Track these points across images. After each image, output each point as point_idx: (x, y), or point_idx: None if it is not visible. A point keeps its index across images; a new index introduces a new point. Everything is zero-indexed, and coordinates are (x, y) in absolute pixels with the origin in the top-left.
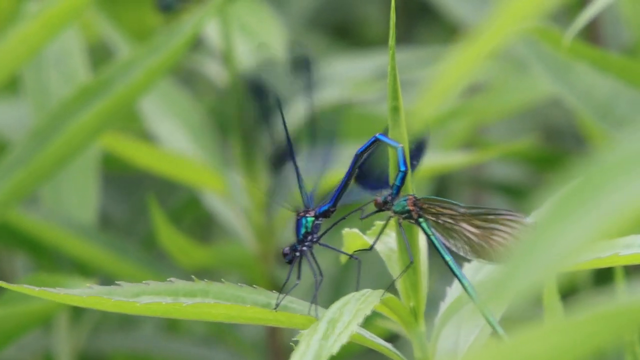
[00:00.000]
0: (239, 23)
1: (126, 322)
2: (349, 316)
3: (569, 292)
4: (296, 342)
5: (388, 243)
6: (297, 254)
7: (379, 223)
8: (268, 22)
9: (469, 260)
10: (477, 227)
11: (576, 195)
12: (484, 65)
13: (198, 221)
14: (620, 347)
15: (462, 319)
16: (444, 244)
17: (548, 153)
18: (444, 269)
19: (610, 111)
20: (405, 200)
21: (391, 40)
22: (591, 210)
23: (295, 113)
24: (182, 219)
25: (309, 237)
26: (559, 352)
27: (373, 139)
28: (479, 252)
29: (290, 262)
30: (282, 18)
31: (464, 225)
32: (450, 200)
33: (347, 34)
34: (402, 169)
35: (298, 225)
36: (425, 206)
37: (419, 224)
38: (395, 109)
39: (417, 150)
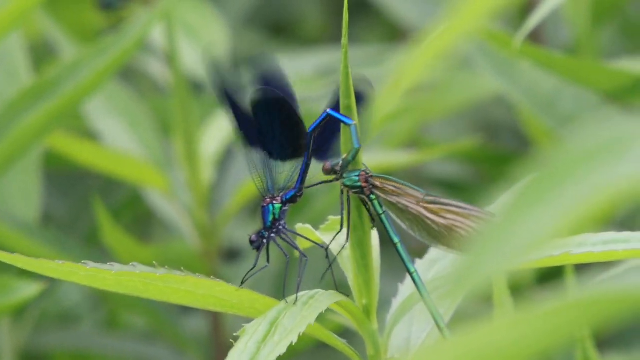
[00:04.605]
0: (182, 22)
1: (66, 320)
2: (292, 322)
3: (513, 290)
4: (236, 339)
5: (339, 239)
6: (265, 241)
7: (333, 218)
8: (210, 21)
9: (420, 257)
10: (436, 214)
11: (536, 188)
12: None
13: (138, 218)
14: (571, 343)
15: (414, 316)
16: (393, 226)
17: (489, 151)
18: (396, 266)
19: (554, 107)
20: (357, 176)
21: (344, 39)
22: (552, 202)
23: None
24: (123, 216)
25: (277, 224)
26: (511, 348)
27: (324, 114)
28: (438, 238)
29: (257, 249)
30: (221, 16)
31: (422, 210)
32: (407, 184)
33: (282, 32)
34: (356, 146)
35: (265, 212)
36: (378, 184)
37: (370, 200)
38: (348, 108)
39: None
